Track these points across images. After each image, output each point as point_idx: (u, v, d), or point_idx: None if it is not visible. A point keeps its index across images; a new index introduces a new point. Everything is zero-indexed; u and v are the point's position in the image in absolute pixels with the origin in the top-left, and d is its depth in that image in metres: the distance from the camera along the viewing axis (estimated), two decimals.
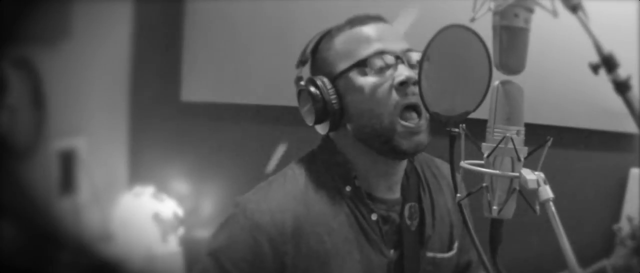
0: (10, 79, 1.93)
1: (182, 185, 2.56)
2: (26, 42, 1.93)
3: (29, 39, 1.94)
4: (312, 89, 0.90)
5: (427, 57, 0.70)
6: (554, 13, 0.65)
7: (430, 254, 0.94)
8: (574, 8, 0.61)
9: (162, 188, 2.39)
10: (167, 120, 2.22)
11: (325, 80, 0.91)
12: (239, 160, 2.20)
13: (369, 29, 0.92)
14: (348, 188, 0.91)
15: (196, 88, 2.18)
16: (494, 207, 0.63)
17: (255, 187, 0.93)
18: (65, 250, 2.30)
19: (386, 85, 0.87)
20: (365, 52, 0.89)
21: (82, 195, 2.17)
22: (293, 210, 0.88)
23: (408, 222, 0.93)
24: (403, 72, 0.84)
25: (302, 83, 0.93)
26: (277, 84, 2.09)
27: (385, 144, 0.87)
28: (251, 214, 0.86)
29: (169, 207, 2.45)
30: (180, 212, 2.60)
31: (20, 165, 1.95)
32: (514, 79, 0.68)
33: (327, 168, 0.94)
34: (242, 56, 2.04)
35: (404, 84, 0.85)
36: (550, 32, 0.92)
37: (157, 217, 3.02)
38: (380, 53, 0.88)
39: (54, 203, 2.13)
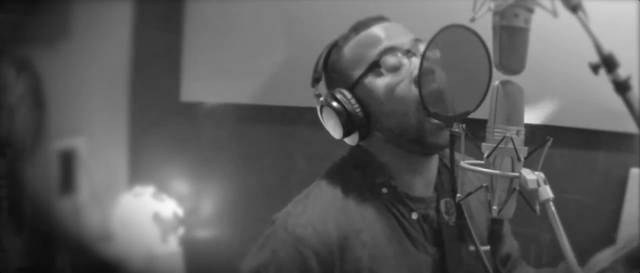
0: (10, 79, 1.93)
1: (182, 185, 2.56)
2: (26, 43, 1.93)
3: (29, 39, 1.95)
4: (334, 103, 0.89)
5: (427, 57, 0.70)
6: (554, 13, 0.65)
7: (471, 248, 0.93)
8: (574, 8, 0.61)
9: (162, 188, 2.39)
10: (167, 120, 2.22)
11: (344, 91, 0.89)
12: (239, 160, 2.19)
13: (374, 31, 0.91)
14: (385, 190, 0.90)
15: (196, 88, 2.18)
16: (494, 207, 0.63)
17: (292, 201, 0.92)
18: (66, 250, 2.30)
19: (405, 82, 0.86)
20: (375, 53, 0.88)
21: (82, 195, 2.17)
22: (334, 219, 0.87)
23: (446, 217, 0.93)
24: (418, 63, 0.84)
25: (322, 99, 0.92)
26: (277, 84, 2.09)
27: (416, 143, 0.86)
28: (293, 229, 0.85)
29: (169, 207, 2.45)
30: (180, 212, 2.61)
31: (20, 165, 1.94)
32: (514, 79, 0.69)
33: (360, 174, 0.93)
34: (242, 56, 2.04)
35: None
36: (551, 31, 0.92)
37: (157, 217, 3.03)
38: (391, 50, 0.87)
39: (54, 202, 2.13)
